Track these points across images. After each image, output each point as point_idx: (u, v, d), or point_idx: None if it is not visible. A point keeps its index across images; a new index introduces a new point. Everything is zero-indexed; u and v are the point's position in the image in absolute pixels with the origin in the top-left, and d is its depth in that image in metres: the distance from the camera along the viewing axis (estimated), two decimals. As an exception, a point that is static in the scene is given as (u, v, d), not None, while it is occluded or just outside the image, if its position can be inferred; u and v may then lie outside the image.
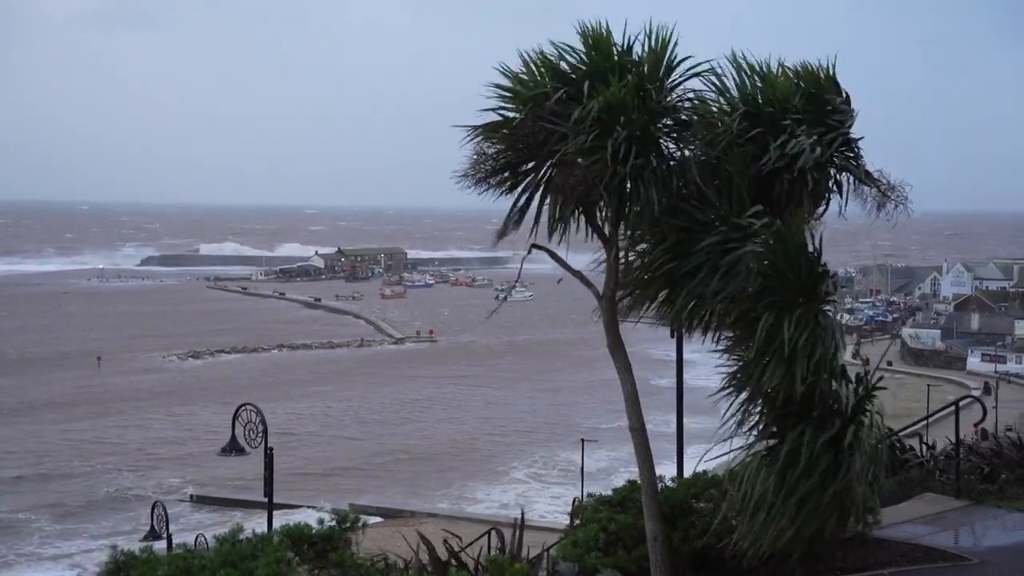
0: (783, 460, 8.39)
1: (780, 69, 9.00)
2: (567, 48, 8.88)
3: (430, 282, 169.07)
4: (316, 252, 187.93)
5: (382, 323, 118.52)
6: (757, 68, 9.00)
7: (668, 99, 8.81)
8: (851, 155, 8.96)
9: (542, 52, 8.91)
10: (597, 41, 8.82)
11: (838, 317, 8.79)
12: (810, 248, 8.47)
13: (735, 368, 8.73)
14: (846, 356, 8.78)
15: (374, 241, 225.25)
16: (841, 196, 9.02)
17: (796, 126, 8.66)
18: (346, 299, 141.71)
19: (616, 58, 8.81)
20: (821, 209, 9.07)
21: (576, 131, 8.48)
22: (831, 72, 9.02)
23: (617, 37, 8.90)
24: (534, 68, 8.91)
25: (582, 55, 8.88)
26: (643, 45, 8.83)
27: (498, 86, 8.98)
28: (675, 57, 8.86)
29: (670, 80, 8.87)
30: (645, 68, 8.78)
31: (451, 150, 9.33)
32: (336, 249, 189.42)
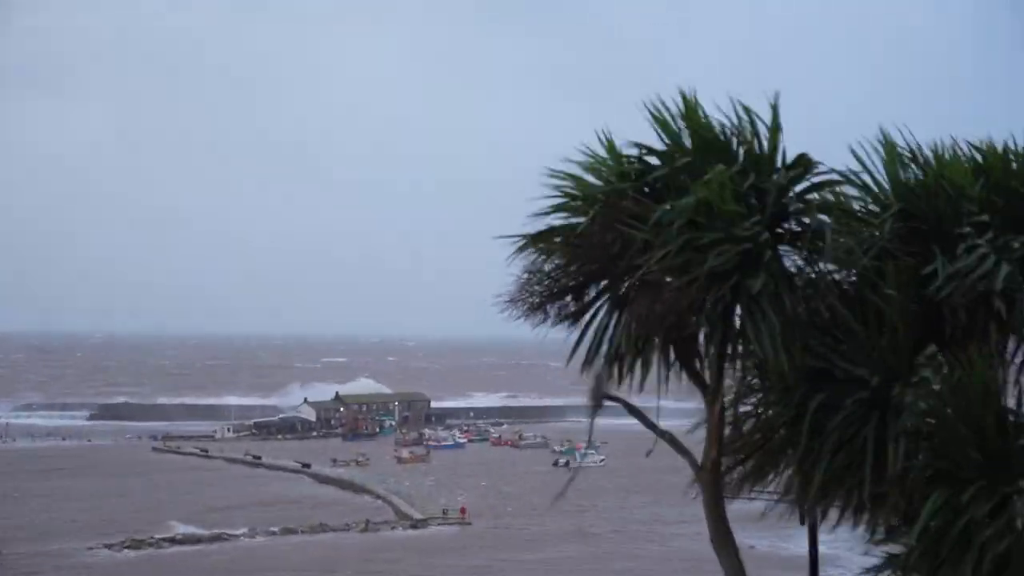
0: None
1: (952, 149, 9.04)
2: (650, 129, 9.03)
3: (461, 440, 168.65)
4: (305, 400, 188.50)
5: (395, 498, 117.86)
6: (915, 148, 9.05)
7: (789, 195, 8.88)
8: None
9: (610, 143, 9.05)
10: (689, 117, 8.95)
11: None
12: (1001, 399, 8.38)
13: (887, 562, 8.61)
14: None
15: (382, 383, 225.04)
16: None
17: (976, 231, 8.66)
18: (347, 464, 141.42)
19: (714, 139, 8.93)
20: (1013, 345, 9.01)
21: (661, 239, 8.56)
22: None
23: (711, 112, 9.04)
24: (603, 154, 9.07)
25: (670, 134, 9.02)
26: (748, 123, 8.93)
27: (556, 178, 9.15)
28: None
29: (792, 170, 8.93)
30: (755, 152, 8.88)
31: (479, 265, 9.43)
32: (334, 395, 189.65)
